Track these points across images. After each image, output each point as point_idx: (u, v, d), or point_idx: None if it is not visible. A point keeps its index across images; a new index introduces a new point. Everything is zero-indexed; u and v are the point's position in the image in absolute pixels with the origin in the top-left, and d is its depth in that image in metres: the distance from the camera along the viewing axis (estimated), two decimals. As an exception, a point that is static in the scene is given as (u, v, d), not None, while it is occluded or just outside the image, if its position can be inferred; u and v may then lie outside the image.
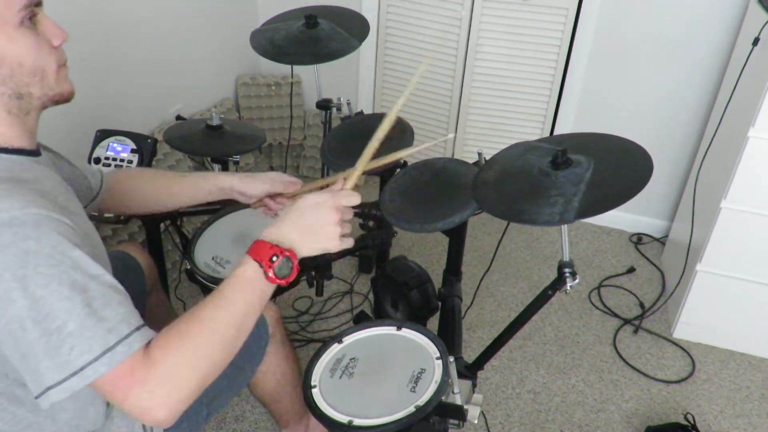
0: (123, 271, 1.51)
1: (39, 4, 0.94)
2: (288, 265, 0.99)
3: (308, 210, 1.03)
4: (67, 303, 0.82)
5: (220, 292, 0.96)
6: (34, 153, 0.99)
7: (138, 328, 0.88)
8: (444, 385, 1.13)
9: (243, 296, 0.97)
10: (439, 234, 1.79)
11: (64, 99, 1.00)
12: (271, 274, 0.97)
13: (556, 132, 2.71)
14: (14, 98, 0.93)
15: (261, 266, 0.97)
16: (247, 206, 1.63)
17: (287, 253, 0.99)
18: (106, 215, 1.55)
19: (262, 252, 0.98)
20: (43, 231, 0.84)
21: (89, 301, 0.84)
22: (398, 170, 1.81)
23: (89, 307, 0.84)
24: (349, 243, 1.06)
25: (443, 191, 1.56)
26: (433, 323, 1.80)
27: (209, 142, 1.93)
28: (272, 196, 1.42)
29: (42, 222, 0.84)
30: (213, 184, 1.41)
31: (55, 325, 0.82)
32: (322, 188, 1.15)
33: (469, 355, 1.77)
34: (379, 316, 1.82)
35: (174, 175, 1.46)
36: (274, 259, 0.97)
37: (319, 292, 1.80)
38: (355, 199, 1.06)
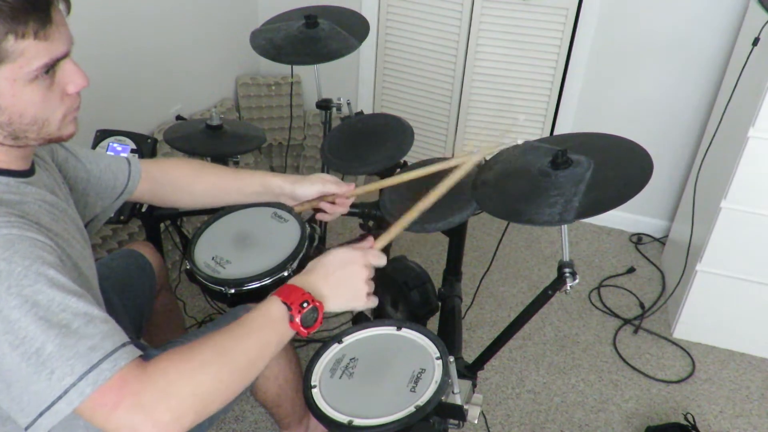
0: (133, 270, 1.50)
1: (65, 57, 0.88)
2: (313, 316, 0.98)
3: (339, 266, 1.03)
4: (43, 324, 0.78)
5: (240, 324, 0.93)
6: (25, 173, 0.96)
7: (124, 345, 0.83)
8: (444, 385, 1.12)
9: (262, 333, 0.94)
10: (439, 234, 1.78)
11: (62, 140, 0.96)
12: (297, 320, 0.95)
13: (556, 132, 2.71)
14: (9, 138, 0.91)
15: (290, 309, 0.95)
16: (247, 206, 1.61)
17: (317, 304, 0.98)
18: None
19: (294, 296, 0.97)
20: (15, 250, 0.81)
21: (68, 320, 0.80)
22: (398, 170, 1.81)
23: (68, 327, 0.79)
24: (374, 302, 1.07)
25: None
26: (433, 323, 1.79)
27: (209, 142, 1.93)
28: (325, 199, 1.39)
29: (13, 241, 0.81)
30: (261, 184, 1.39)
31: (34, 348, 0.77)
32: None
33: (469, 355, 1.77)
34: (378, 316, 1.82)
35: (223, 170, 1.42)
36: (305, 305, 0.96)
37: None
38: (383, 261, 1.07)
